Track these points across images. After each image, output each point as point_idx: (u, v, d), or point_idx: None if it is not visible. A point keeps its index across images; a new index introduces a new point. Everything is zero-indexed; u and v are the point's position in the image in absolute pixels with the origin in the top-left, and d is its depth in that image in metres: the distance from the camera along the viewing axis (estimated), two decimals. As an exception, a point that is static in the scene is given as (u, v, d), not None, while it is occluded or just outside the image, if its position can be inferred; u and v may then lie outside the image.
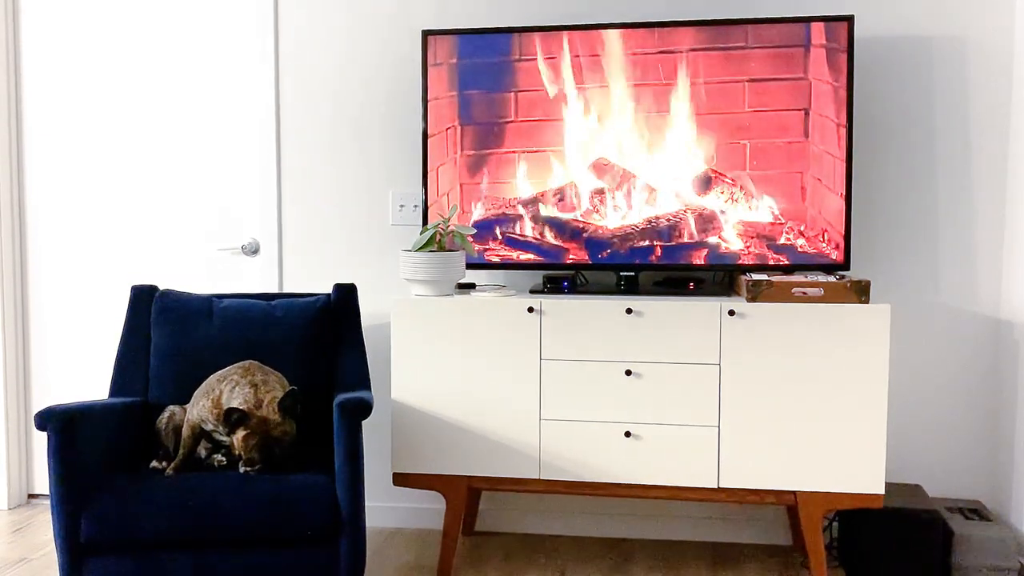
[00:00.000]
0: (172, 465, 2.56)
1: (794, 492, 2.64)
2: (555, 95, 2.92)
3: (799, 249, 2.83)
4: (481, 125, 2.96)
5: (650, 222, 2.90)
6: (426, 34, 2.97)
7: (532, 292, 2.90)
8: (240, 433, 2.48)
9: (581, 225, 2.94)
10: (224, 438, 2.57)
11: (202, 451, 2.64)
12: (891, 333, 3.07)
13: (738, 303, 2.65)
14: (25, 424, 3.61)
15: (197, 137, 3.41)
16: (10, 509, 3.55)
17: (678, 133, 2.86)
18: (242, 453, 2.49)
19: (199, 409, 2.59)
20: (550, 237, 2.96)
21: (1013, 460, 2.92)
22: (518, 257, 2.98)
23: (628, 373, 2.68)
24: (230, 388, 2.55)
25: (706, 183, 2.87)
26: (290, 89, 3.33)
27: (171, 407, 2.73)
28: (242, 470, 2.49)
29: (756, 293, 2.65)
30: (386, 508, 3.36)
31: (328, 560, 2.44)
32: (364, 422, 2.51)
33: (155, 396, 2.83)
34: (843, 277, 2.68)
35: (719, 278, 3.04)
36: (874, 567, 2.77)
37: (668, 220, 2.89)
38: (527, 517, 3.28)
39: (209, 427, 2.58)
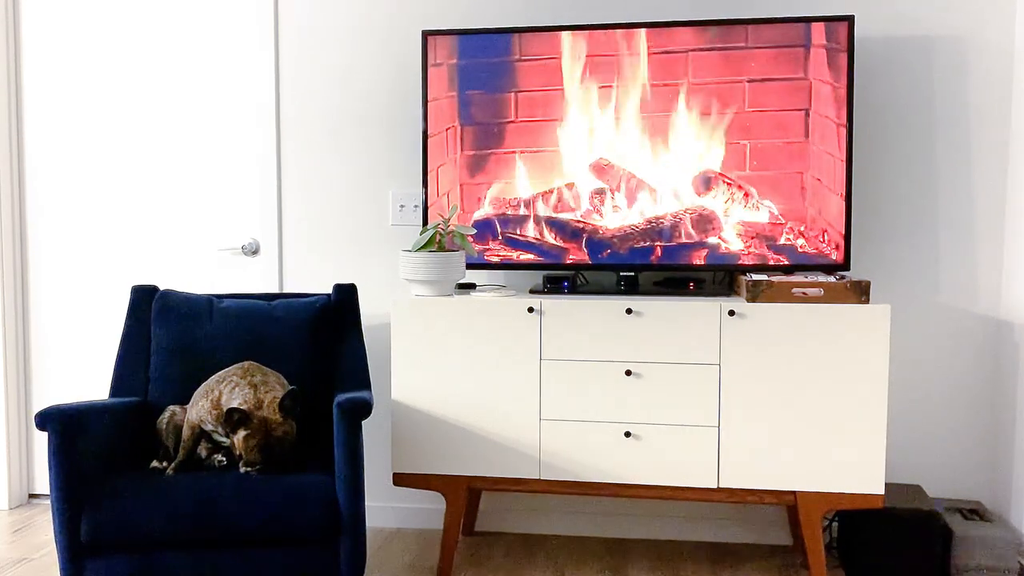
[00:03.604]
0: (172, 465, 2.56)
1: (794, 492, 2.64)
2: (555, 95, 2.92)
3: (799, 249, 2.83)
4: (481, 125, 2.97)
5: (650, 222, 2.90)
6: (426, 34, 2.97)
7: (532, 292, 2.90)
8: (241, 433, 2.48)
9: (581, 225, 2.94)
10: (223, 439, 2.57)
11: (202, 451, 2.64)
12: (891, 333, 3.07)
13: (738, 303, 2.65)
14: (26, 424, 3.62)
15: (197, 137, 3.41)
16: (11, 509, 3.56)
17: (678, 133, 2.86)
18: (243, 453, 2.49)
19: (198, 410, 2.59)
20: (550, 237, 2.96)
21: (1013, 460, 2.92)
22: (518, 257, 2.98)
23: (628, 373, 2.68)
24: (229, 389, 2.55)
25: (706, 183, 2.87)
26: (290, 89, 3.33)
27: (172, 407, 2.73)
28: (243, 470, 2.49)
29: (756, 293, 2.65)
30: (386, 508, 3.36)
31: (328, 560, 2.44)
32: (364, 422, 2.51)
33: (155, 396, 2.83)
34: (843, 277, 2.68)
35: (719, 278, 3.04)
36: (874, 567, 2.77)
37: (668, 220, 2.89)
38: (527, 517, 3.29)
39: (208, 427, 2.58)
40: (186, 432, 2.61)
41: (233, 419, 2.48)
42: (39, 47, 3.49)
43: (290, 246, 3.38)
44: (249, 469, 2.49)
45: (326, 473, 2.51)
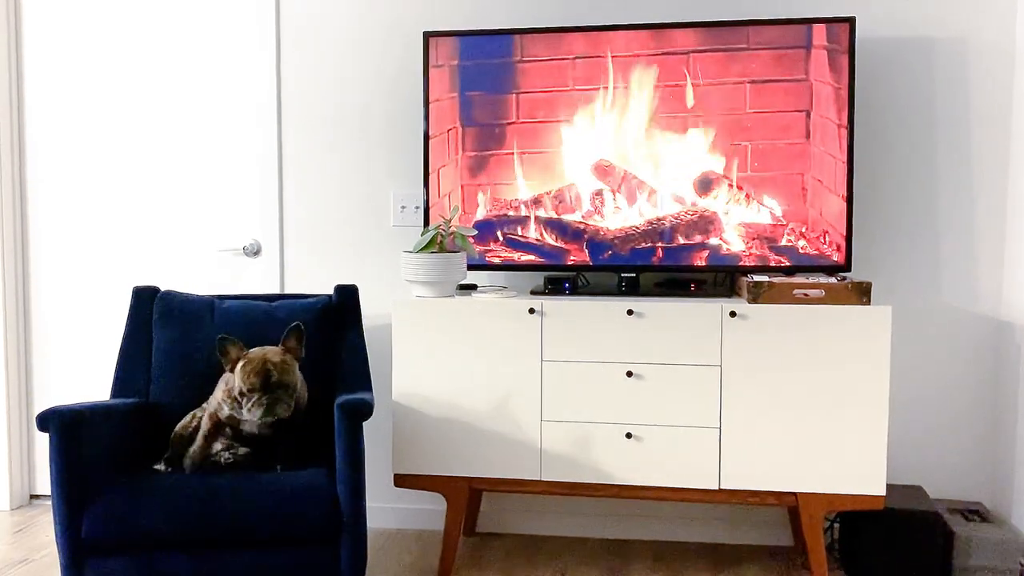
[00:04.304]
0: (191, 456, 2.57)
1: (795, 493, 2.64)
2: (556, 96, 2.92)
3: (800, 250, 2.83)
4: (482, 126, 2.97)
5: (651, 223, 2.90)
6: (427, 35, 2.98)
7: (533, 293, 2.90)
8: (239, 365, 2.53)
9: (582, 226, 2.94)
10: (242, 418, 2.55)
11: (219, 444, 2.62)
12: (892, 334, 3.07)
13: (739, 304, 2.65)
14: (27, 425, 3.62)
15: (199, 138, 3.41)
16: (12, 510, 3.56)
17: (679, 134, 2.86)
18: (242, 384, 2.50)
19: (216, 400, 2.61)
20: (551, 238, 2.96)
21: (1014, 461, 2.92)
22: (519, 258, 2.99)
23: (629, 374, 2.68)
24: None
25: (707, 184, 2.87)
26: (291, 90, 3.33)
27: (194, 411, 2.72)
28: (246, 410, 2.51)
29: (757, 294, 2.65)
30: (387, 509, 3.36)
31: (329, 561, 2.44)
32: (365, 423, 2.51)
33: (157, 397, 2.84)
34: (844, 278, 2.68)
35: (720, 279, 3.04)
36: (875, 568, 2.77)
37: (669, 221, 2.89)
38: (528, 518, 3.29)
39: (225, 412, 2.57)
40: (206, 423, 2.61)
41: (229, 353, 2.53)
42: (40, 47, 3.50)
43: (291, 247, 3.38)
44: (250, 406, 2.50)
45: (327, 474, 2.51)
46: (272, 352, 2.56)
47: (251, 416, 2.53)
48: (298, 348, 2.62)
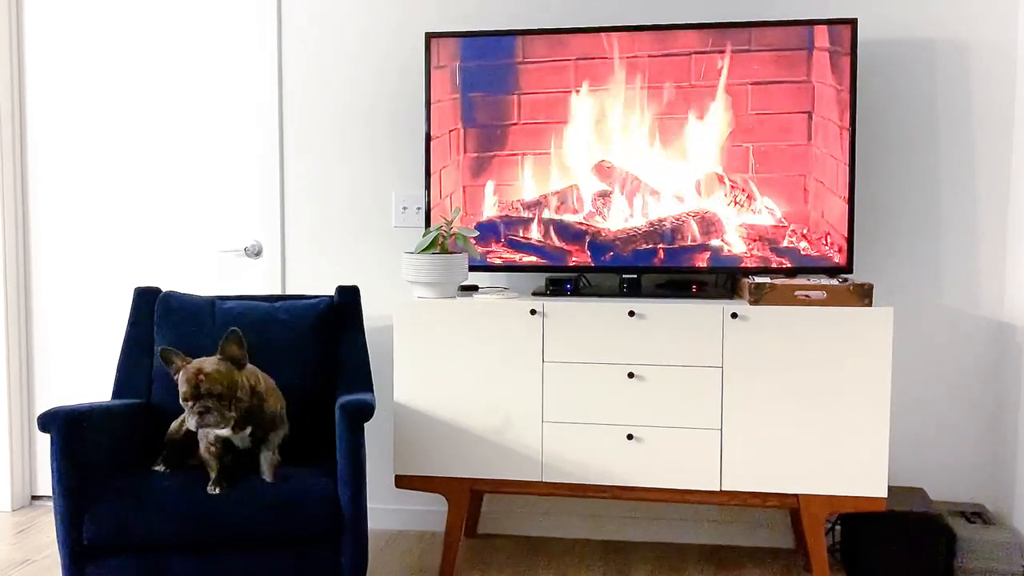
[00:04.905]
0: (213, 482, 2.47)
1: (796, 495, 2.63)
2: (557, 98, 2.92)
3: (802, 252, 2.83)
4: (484, 127, 2.97)
5: (653, 225, 2.90)
6: (429, 36, 2.98)
7: (534, 294, 2.90)
8: (180, 374, 2.41)
9: (584, 227, 2.94)
10: (224, 432, 2.51)
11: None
12: (894, 336, 3.07)
13: (741, 306, 2.65)
14: (28, 425, 3.62)
15: (200, 139, 3.42)
16: (14, 511, 3.56)
17: (680, 135, 2.86)
18: (181, 396, 2.41)
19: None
20: (553, 240, 2.96)
21: (1016, 463, 2.92)
22: (521, 259, 2.98)
23: (630, 376, 2.68)
24: None
25: (709, 185, 2.87)
26: (293, 91, 3.33)
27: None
28: (187, 418, 2.42)
29: (759, 296, 2.65)
30: (388, 510, 3.36)
31: (330, 562, 2.44)
32: (366, 424, 2.51)
33: (158, 398, 2.83)
34: (846, 280, 2.68)
35: (722, 281, 3.04)
36: (876, 570, 2.76)
37: (671, 223, 2.89)
38: (529, 519, 3.28)
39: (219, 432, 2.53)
40: (205, 452, 2.52)
41: (173, 363, 2.41)
42: (42, 47, 3.50)
43: (293, 248, 3.38)
44: (188, 416, 2.40)
45: (328, 475, 2.51)
46: (208, 361, 2.42)
47: (190, 426, 2.43)
48: (240, 354, 2.47)
